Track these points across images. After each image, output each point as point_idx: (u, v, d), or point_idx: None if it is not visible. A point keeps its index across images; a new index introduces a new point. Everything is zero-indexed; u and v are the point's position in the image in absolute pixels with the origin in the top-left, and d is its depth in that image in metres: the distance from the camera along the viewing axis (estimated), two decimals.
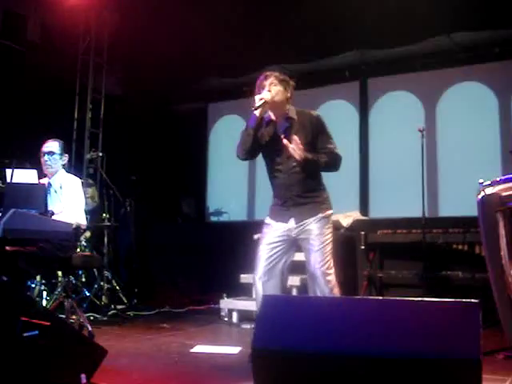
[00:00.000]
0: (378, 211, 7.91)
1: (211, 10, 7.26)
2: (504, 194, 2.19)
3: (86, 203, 5.72)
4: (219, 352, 4.50)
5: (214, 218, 9.42)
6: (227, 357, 4.35)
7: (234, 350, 4.54)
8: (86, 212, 5.36)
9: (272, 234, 3.88)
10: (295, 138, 3.67)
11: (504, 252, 2.28)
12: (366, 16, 6.97)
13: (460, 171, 7.45)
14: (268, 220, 3.97)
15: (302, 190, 3.83)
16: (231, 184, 9.36)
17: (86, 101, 8.17)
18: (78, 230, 4.96)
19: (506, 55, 7.34)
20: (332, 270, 3.76)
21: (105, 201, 7.29)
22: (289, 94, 3.90)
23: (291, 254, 3.91)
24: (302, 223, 3.81)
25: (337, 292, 3.74)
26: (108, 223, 7.14)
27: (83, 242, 6.49)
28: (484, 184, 2.26)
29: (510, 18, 6.56)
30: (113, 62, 8.53)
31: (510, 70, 7.38)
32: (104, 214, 7.17)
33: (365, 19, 7.02)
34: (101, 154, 7.69)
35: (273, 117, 3.95)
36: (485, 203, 2.21)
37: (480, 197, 2.25)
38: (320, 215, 3.81)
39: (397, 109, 8.15)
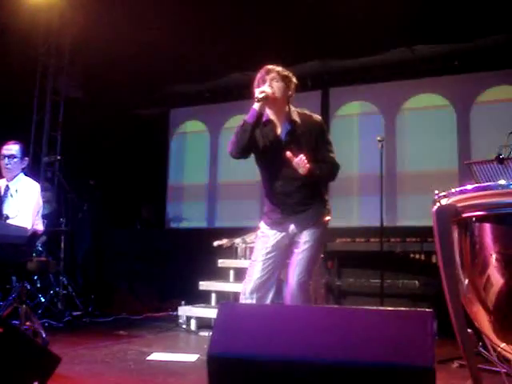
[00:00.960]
0: (337, 220, 7.95)
1: (175, 15, 7.24)
2: (459, 205, 2.22)
3: (43, 207, 5.61)
4: (176, 360, 4.46)
5: (173, 225, 9.37)
6: (184, 364, 4.32)
7: (192, 357, 4.51)
8: (43, 216, 5.27)
9: (268, 244, 3.54)
10: (301, 156, 3.34)
11: (457, 262, 2.32)
12: (329, 26, 7.04)
13: (418, 181, 7.56)
14: (263, 228, 3.63)
15: (301, 197, 3.52)
16: (191, 190, 9.33)
17: (44, 103, 8.04)
18: (34, 235, 4.87)
19: (465, 68, 7.51)
20: (309, 280, 3.49)
21: (62, 205, 7.18)
22: (290, 92, 3.58)
23: (284, 266, 3.59)
24: (298, 230, 3.50)
25: (311, 301, 3.54)
26: (65, 228, 7.02)
27: (39, 247, 6.38)
28: (439, 195, 2.29)
29: (469, 32, 6.72)
30: (74, 64, 8.42)
31: (469, 83, 7.56)
32: (61, 219, 7.04)
33: (328, 29, 7.10)
34: (59, 158, 7.58)
35: (272, 116, 3.61)
36: (440, 214, 2.24)
37: (435, 208, 2.28)
38: (319, 222, 3.54)
39: (357, 119, 8.25)
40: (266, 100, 3.45)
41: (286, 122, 3.57)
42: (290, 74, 3.62)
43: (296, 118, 3.56)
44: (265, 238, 3.59)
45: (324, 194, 3.67)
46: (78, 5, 7.46)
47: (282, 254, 3.55)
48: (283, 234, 3.54)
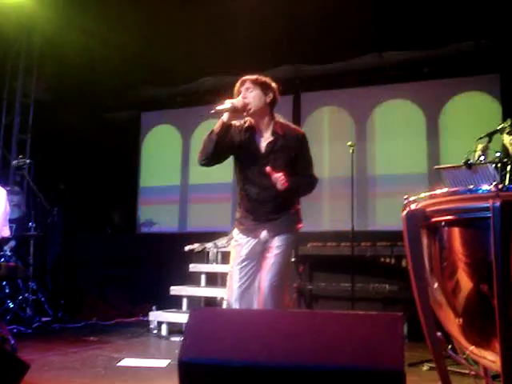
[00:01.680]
0: (308, 224, 7.99)
1: (147, 18, 7.21)
2: (428, 209, 2.25)
3: (12, 211, 5.54)
4: (147, 365, 4.43)
5: (144, 229, 9.31)
6: (155, 370, 4.29)
7: (163, 363, 4.48)
8: (11, 220, 5.19)
9: (242, 252, 3.55)
10: (281, 174, 3.36)
11: (427, 266, 2.35)
12: (301, 32, 7.09)
13: (388, 186, 7.63)
14: (236, 236, 3.63)
15: (275, 206, 3.52)
16: (163, 194, 9.28)
17: (14, 105, 7.94)
18: (0, 241, 4.80)
19: (434, 74, 7.61)
20: (284, 285, 3.53)
21: (31, 209, 7.08)
22: (269, 99, 3.53)
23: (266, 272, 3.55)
24: (269, 237, 3.51)
25: (283, 307, 3.54)
26: (34, 232, 6.92)
27: (7, 252, 6.28)
28: (409, 200, 2.32)
29: (438, 39, 6.82)
30: (44, 66, 8.32)
31: (438, 89, 7.66)
32: (30, 223, 6.94)
33: (299, 35, 7.14)
34: (28, 161, 7.48)
35: (255, 125, 3.58)
36: (409, 218, 2.27)
37: (405, 212, 2.31)
38: (289, 229, 3.54)
39: (329, 123, 8.30)
40: (233, 111, 3.43)
41: (269, 132, 3.57)
42: (268, 80, 3.60)
43: (279, 130, 3.55)
44: (238, 246, 3.59)
45: (297, 203, 3.68)
46: (49, 6, 7.38)
47: (256, 260, 3.54)
48: (256, 240, 3.54)
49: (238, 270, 3.51)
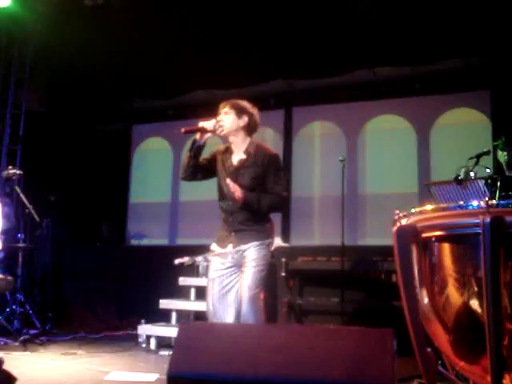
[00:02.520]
0: (298, 238, 8.00)
1: (140, 30, 7.23)
2: (418, 225, 2.25)
3: (1, 223, 5.50)
4: (135, 380, 4.39)
5: (134, 242, 9.26)
6: None
7: (151, 377, 4.45)
8: (1, 232, 5.15)
9: (217, 261, 3.82)
10: (234, 185, 3.67)
11: (417, 281, 2.34)
12: (293, 46, 7.13)
13: (379, 201, 7.65)
14: (213, 246, 3.92)
15: (243, 217, 3.79)
16: (153, 207, 9.26)
17: (4, 116, 7.91)
18: None
19: (425, 90, 7.66)
20: (260, 296, 3.72)
21: (21, 220, 7.03)
22: (242, 123, 3.86)
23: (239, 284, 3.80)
24: (239, 249, 3.75)
25: (261, 319, 3.69)
26: (23, 244, 6.87)
27: None
28: (400, 215, 2.32)
29: (430, 56, 6.87)
30: (36, 77, 8.31)
31: (429, 105, 7.71)
32: (19, 235, 6.89)
33: (292, 49, 7.18)
34: (18, 172, 7.44)
35: (232, 145, 3.93)
36: (400, 234, 2.26)
37: (395, 227, 2.31)
38: (257, 242, 3.74)
39: (320, 138, 8.33)
40: (202, 131, 3.79)
41: (241, 151, 3.88)
42: (244, 105, 3.91)
43: (251, 149, 3.86)
44: (214, 257, 3.86)
45: (267, 220, 3.89)
46: (41, 17, 7.39)
47: (232, 270, 3.78)
48: (229, 251, 3.79)
49: (214, 280, 3.78)
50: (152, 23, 7.12)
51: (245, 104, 3.92)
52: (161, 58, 7.50)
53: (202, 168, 3.92)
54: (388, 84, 7.86)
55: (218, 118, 3.84)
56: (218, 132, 3.82)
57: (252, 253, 3.73)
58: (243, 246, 3.75)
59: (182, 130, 3.84)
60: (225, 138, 3.96)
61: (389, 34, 6.73)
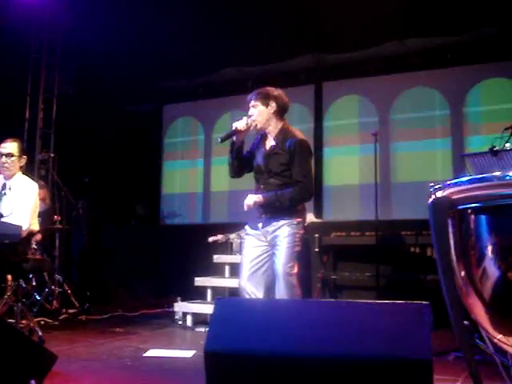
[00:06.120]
0: (331, 214, 7.97)
1: (167, 11, 7.22)
2: (454, 197, 2.21)
3: (38, 205, 5.59)
4: (173, 356, 4.46)
5: (168, 221, 9.35)
6: (181, 360, 4.31)
7: (188, 353, 4.50)
8: (38, 214, 5.23)
9: (250, 240, 3.95)
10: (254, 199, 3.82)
11: (453, 254, 2.31)
12: (322, 20, 7.04)
13: (413, 174, 7.57)
14: (246, 227, 4.04)
15: (274, 208, 3.86)
16: (186, 186, 9.31)
17: (37, 100, 8.01)
18: (29, 235, 4.84)
19: (457, 61, 7.50)
20: (294, 272, 3.80)
21: (56, 203, 7.15)
22: (272, 109, 3.89)
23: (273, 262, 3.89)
24: (271, 227, 3.85)
25: (297, 294, 3.78)
26: (60, 226, 6.99)
27: (34, 245, 6.34)
28: (435, 187, 2.28)
29: (461, 25, 6.71)
30: (66, 61, 8.38)
31: (461, 76, 7.55)
32: (56, 217, 7.01)
33: (321, 23, 7.09)
34: (53, 155, 7.56)
35: (266, 131, 3.98)
36: (435, 207, 2.23)
37: (430, 200, 2.27)
38: (288, 221, 3.82)
39: (351, 113, 8.24)
40: (239, 132, 3.86)
41: (273, 137, 3.94)
42: (267, 90, 3.92)
43: (280, 135, 3.90)
44: (248, 236, 3.99)
45: (297, 212, 3.91)
46: (71, 2, 7.43)
47: (264, 250, 3.89)
48: (262, 230, 3.90)
49: (247, 256, 3.91)
50: (178, 3, 7.10)
51: (267, 90, 3.94)
52: (189, 35, 7.48)
53: (246, 162, 4.04)
54: (418, 55, 7.71)
55: (250, 113, 3.89)
56: (252, 128, 3.89)
57: (284, 231, 3.81)
58: (275, 225, 3.84)
59: (219, 139, 3.88)
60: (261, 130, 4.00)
61: (419, 4, 6.59)
